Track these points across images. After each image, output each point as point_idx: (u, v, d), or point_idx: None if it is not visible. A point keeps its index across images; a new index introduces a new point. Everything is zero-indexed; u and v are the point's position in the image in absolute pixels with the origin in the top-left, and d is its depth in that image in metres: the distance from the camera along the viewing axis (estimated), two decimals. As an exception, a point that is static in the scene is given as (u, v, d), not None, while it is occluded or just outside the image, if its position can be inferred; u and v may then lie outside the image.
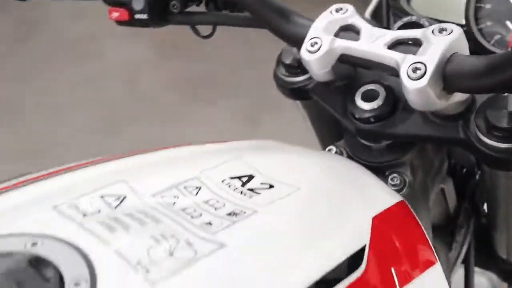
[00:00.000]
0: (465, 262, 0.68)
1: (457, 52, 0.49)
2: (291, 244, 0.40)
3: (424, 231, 0.49)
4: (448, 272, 0.62)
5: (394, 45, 0.51)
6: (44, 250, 0.36)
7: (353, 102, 0.56)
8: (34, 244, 0.37)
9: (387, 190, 0.53)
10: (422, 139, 0.56)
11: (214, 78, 2.46)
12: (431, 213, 0.59)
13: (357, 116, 0.56)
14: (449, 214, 0.68)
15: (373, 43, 0.52)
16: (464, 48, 0.50)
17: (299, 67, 0.62)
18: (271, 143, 0.57)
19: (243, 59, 2.49)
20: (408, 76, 0.49)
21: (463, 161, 0.68)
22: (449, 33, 0.49)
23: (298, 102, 0.68)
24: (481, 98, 0.53)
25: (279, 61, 0.64)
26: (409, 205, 0.52)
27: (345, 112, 0.57)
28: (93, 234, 0.38)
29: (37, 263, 0.35)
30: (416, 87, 0.48)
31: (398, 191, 0.56)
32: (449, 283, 0.63)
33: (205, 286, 0.36)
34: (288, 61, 0.63)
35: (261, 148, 0.56)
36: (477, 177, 0.69)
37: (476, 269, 0.74)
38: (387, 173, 0.58)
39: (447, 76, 0.48)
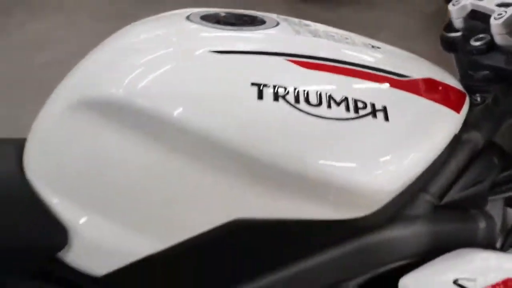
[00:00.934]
0: None
1: None
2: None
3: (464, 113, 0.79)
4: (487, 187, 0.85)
5: (502, 5, 0.83)
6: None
7: (469, 43, 0.88)
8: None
9: (458, 85, 0.83)
10: (501, 71, 0.84)
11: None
12: (492, 134, 0.85)
13: (467, 49, 0.87)
14: None
15: (490, 2, 0.84)
16: None
17: (454, 27, 0.95)
18: None
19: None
20: (494, 18, 0.80)
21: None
22: None
23: (452, 55, 1.00)
24: None
25: (444, 26, 0.98)
26: (468, 103, 0.82)
27: (464, 52, 0.89)
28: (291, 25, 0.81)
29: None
30: (495, 24, 0.79)
31: (475, 105, 0.85)
32: (485, 203, 0.86)
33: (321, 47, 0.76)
34: (448, 22, 0.97)
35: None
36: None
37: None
38: (476, 94, 0.87)
39: None
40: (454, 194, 0.83)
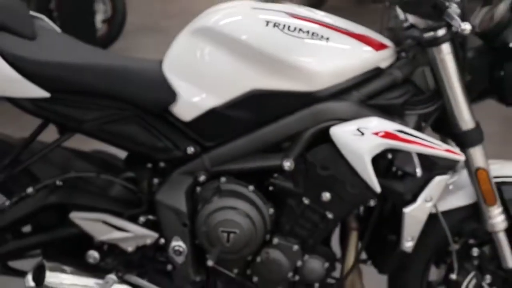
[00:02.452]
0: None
1: None
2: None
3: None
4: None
5: None
6: None
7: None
8: None
9: (388, 42, 1.52)
10: (415, 39, 1.50)
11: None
12: (409, 74, 1.50)
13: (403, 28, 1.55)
14: (435, 89, 1.53)
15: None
16: None
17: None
18: None
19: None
20: None
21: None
22: None
23: None
24: None
25: None
26: (391, 51, 1.51)
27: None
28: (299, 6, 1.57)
29: None
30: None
31: (402, 58, 1.53)
32: (402, 114, 1.50)
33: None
34: None
35: None
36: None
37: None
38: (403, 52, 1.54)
39: None
40: (377, 100, 1.50)
